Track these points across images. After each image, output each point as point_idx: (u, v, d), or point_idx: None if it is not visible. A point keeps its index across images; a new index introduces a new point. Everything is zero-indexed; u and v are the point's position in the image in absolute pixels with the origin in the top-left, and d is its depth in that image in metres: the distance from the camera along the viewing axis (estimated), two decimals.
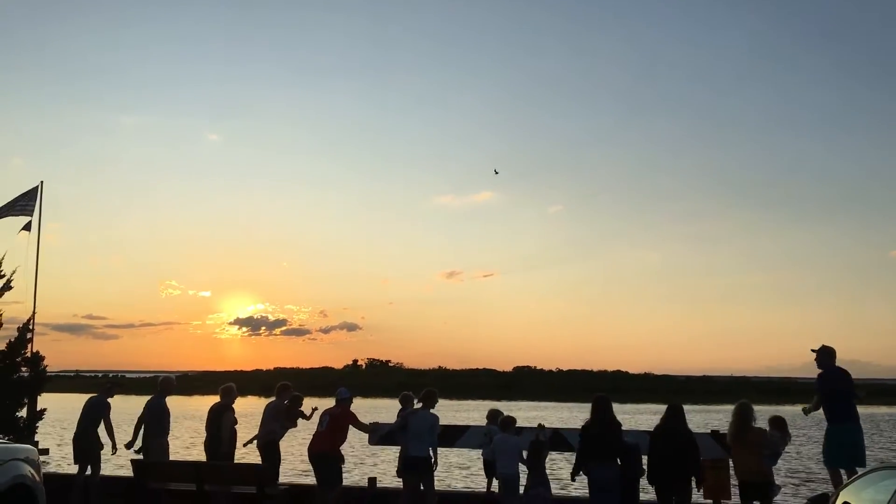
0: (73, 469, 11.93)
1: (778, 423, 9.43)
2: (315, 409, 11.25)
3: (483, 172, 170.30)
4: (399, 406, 10.84)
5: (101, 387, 12.06)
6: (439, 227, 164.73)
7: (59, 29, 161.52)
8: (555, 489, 10.71)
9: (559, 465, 18.84)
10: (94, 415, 11.50)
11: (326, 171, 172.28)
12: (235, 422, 11.29)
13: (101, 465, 11.68)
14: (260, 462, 11.04)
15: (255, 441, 11.38)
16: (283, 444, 11.63)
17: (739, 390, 70.03)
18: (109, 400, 11.72)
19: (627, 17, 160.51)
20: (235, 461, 11.38)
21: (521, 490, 9.76)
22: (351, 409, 10.63)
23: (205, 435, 11.39)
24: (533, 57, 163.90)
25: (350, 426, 10.53)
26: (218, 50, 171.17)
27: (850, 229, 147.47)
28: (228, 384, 11.62)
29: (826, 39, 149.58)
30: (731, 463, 9.96)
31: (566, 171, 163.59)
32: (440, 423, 10.44)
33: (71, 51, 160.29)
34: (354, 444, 23.46)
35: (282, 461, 11.43)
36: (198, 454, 18.48)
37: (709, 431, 10.92)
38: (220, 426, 11.04)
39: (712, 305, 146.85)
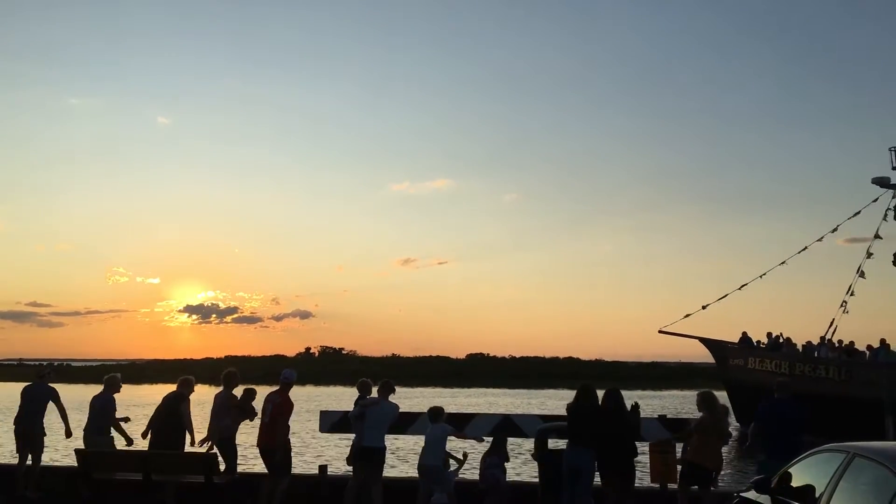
0: (13, 458, 11.63)
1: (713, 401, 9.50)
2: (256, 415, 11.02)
3: (439, 160, 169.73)
4: (357, 394, 10.76)
5: (38, 374, 11.87)
6: (395, 214, 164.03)
7: (6, 6, 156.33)
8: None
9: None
10: (41, 403, 11.32)
11: (280, 157, 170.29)
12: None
13: (44, 452, 11.48)
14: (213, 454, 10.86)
15: (210, 439, 11.16)
16: (239, 436, 11.45)
17: (687, 376, 71.48)
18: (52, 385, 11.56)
19: (579, 12, 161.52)
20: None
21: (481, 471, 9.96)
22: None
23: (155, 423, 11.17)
24: (488, 49, 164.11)
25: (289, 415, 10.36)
26: (171, 33, 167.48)
27: (795, 219, 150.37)
28: (188, 377, 11.40)
29: (771, 32, 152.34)
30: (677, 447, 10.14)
31: (521, 160, 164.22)
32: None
33: (17, 29, 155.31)
34: (302, 434, 23.41)
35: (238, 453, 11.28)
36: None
37: (656, 416, 11.11)
38: (179, 417, 10.80)
39: (661, 293, 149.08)
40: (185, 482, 10.08)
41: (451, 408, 10.92)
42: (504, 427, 11.12)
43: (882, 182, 29.55)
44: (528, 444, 11.01)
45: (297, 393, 10.66)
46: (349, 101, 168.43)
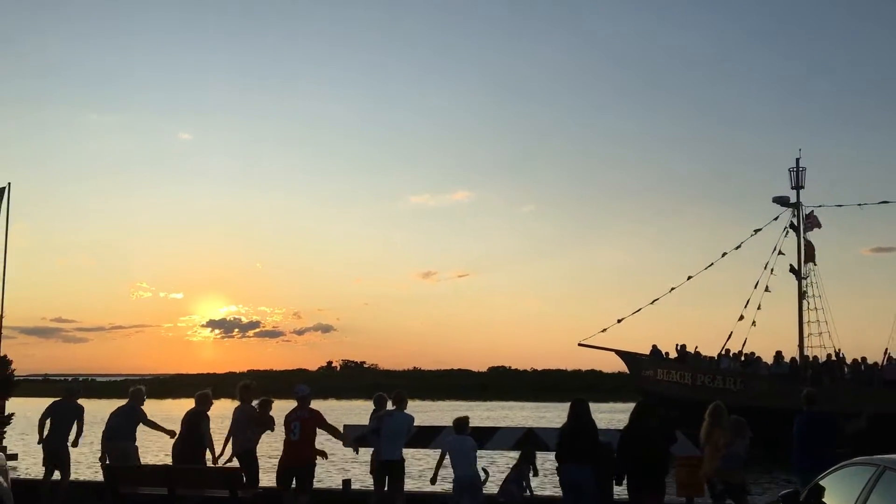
0: (40, 474, 11.75)
1: (735, 425, 9.15)
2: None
3: (458, 172, 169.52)
4: (373, 407, 10.77)
5: (68, 390, 11.99)
6: (414, 226, 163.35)
7: (27, 24, 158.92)
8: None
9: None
10: (69, 422, 11.46)
11: (300, 171, 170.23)
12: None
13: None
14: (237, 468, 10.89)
15: (232, 451, 11.18)
16: (259, 450, 11.47)
17: None
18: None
19: (589, 19, 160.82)
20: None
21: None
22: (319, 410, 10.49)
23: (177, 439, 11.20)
24: (503, 58, 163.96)
25: (319, 429, 10.35)
26: (190, 48, 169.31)
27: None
28: (205, 391, 11.41)
29: (780, 37, 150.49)
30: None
31: (538, 171, 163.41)
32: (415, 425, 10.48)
33: (38, 46, 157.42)
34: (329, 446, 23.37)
35: (260, 468, 11.28)
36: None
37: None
38: (200, 435, 10.83)
39: (682, 301, 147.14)
40: (209, 496, 10.11)
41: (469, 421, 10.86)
42: (527, 440, 11.08)
43: (782, 201, 32.23)
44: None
45: (318, 407, 10.69)
46: (369, 113, 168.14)
